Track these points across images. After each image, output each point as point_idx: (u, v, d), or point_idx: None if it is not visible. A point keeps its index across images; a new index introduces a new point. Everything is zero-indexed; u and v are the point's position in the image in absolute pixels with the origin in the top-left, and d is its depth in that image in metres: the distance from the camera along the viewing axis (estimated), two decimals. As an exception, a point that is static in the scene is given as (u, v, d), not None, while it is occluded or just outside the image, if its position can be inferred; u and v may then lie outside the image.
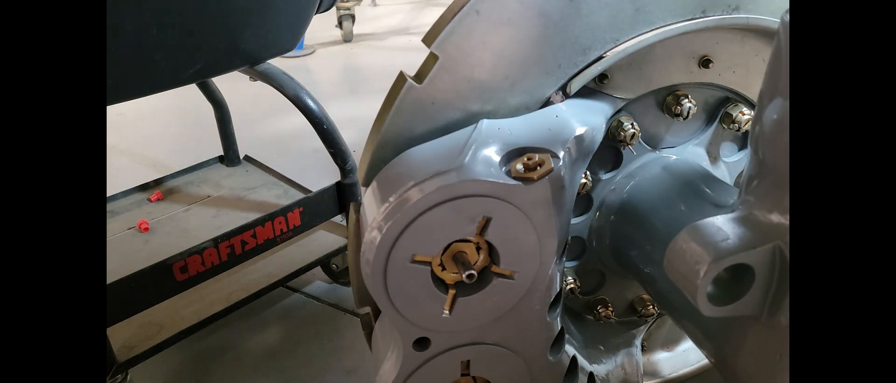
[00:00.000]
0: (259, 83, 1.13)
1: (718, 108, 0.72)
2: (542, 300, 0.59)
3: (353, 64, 3.12)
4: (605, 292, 0.79)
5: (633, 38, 0.59)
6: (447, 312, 0.54)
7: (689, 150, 0.74)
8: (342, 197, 1.21)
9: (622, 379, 0.78)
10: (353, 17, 3.32)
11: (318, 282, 1.41)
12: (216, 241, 1.07)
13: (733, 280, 0.47)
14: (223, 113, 1.52)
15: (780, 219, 0.45)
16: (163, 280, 1.02)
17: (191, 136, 2.22)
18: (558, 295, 0.61)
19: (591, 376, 0.73)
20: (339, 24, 3.32)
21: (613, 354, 0.79)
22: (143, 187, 1.45)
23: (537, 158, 0.51)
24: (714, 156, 0.76)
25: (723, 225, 0.47)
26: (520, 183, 0.50)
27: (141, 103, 2.34)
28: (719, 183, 0.68)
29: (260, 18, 0.95)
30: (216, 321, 1.13)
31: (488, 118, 0.56)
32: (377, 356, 0.65)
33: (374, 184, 0.55)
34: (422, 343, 0.58)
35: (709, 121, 0.73)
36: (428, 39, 0.53)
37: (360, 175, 0.58)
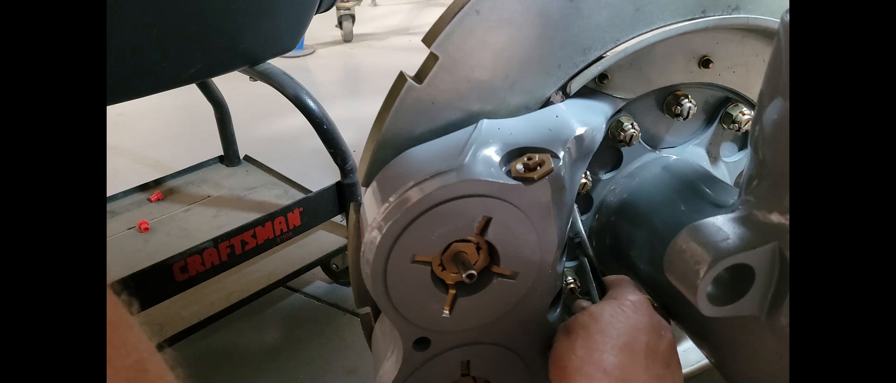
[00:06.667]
0: (259, 83, 1.13)
1: (718, 108, 0.72)
2: (542, 300, 0.59)
3: (353, 64, 3.12)
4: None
5: (633, 38, 0.59)
6: (447, 312, 0.54)
7: (689, 150, 0.74)
8: (342, 197, 1.21)
9: (622, 379, 0.78)
10: (353, 17, 3.31)
11: (318, 282, 1.41)
12: (216, 241, 1.07)
13: (733, 280, 0.47)
14: (223, 113, 1.52)
15: (780, 219, 0.45)
16: (163, 280, 1.02)
17: (191, 136, 2.22)
18: (558, 295, 0.61)
19: (591, 376, 0.73)
20: (339, 24, 3.32)
21: (613, 354, 0.79)
22: (143, 187, 1.45)
23: (537, 158, 0.51)
24: (714, 156, 0.76)
25: (723, 225, 0.47)
26: (520, 183, 0.50)
27: (141, 103, 2.34)
28: (719, 183, 0.68)
29: (260, 18, 0.96)
30: (216, 321, 1.13)
31: (488, 118, 0.56)
32: (377, 356, 0.65)
33: (374, 184, 0.55)
34: (422, 343, 0.58)
35: (709, 121, 0.73)
36: (428, 39, 0.53)
37: (360, 175, 0.58)
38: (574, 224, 0.64)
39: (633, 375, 0.52)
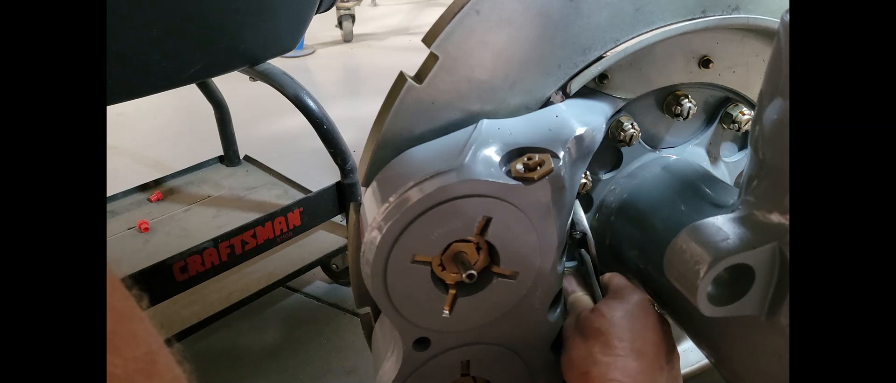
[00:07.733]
0: (259, 83, 1.13)
1: (718, 108, 0.72)
2: (542, 300, 0.59)
3: (353, 64, 3.12)
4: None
5: (633, 38, 0.59)
6: (447, 312, 0.54)
7: (689, 150, 0.74)
8: (342, 197, 1.21)
9: (622, 379, 0.78)
10: (353, 17, 3.31)
11: (318, 282, 1.41)
12: (216, 241, 1.07)
13: (733, 280, 0.47)
14: (223, 113, 1.52)
15: (780, 219, 0.45)
16: (163, 280, 1.02)
17: (191, 136, 2.21)
18: (558, 295, 0.61)
19: (591, 376, 0.73)
20: (339, 24, 3.32)
21: (613, 354, 0.79)
22: (143, 187, 1.45)
23: (537, 158, 0.51)
24: (714, 156, 0.76)
25: (723, 225, 0.47)
26: (520, 183, 0.50)
27: (141, 103, 2.34)
28: (719, 183, 0.68)
29: (260, 18, 0.96)
30: (216, 321, 1.13)
31: (488, 118, 0.56)
32: (377, 356, 0.65)
33: (374, 184, 0.55)
34: (422, 343, 0.58)
35: (709, 121, 0.73)
36: (428, 39, 0.53)
37: (360, 175, 0.58)
38: (579, 221, 0.65)
39: (652, 377, 0.54)
